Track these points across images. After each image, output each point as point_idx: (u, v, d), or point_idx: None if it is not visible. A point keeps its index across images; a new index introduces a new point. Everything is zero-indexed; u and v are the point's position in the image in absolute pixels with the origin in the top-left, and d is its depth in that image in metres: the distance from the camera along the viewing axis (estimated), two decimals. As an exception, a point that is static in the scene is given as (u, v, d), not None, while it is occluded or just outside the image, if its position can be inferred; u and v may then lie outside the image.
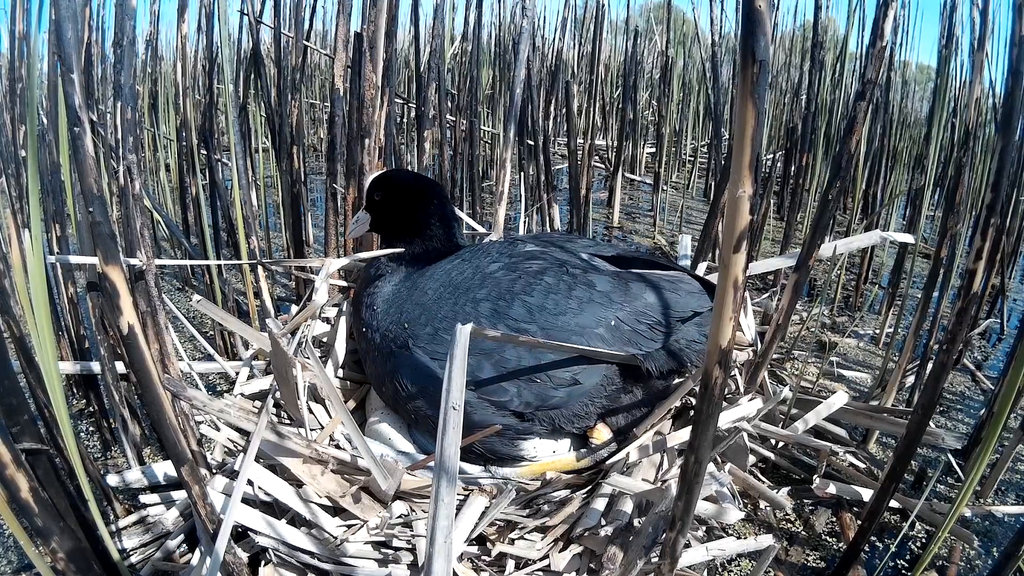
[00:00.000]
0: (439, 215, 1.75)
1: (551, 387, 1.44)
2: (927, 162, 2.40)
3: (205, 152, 2.94)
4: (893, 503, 1.62)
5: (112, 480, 1.49)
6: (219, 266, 2.17)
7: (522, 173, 3.59)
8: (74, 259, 1.58)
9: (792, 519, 1.62)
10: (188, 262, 1.90)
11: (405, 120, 4.90)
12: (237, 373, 1.84)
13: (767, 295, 2.47)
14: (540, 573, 1.23)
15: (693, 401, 1.64)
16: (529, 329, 1.44)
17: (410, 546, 1.24)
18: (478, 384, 1.44)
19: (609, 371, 1.48)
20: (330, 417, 1.61)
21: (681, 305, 1.53)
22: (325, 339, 1.92)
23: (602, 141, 5.81)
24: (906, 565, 1.48)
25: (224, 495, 1.27)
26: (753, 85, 0.72)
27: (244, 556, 1.25)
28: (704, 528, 1.47)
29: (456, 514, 1.26)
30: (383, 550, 1.24)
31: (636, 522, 1.28)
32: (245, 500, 1.28)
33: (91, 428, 1.89)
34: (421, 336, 1.50)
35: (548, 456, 1.52)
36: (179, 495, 1.47)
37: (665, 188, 4.96)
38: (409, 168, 3.47)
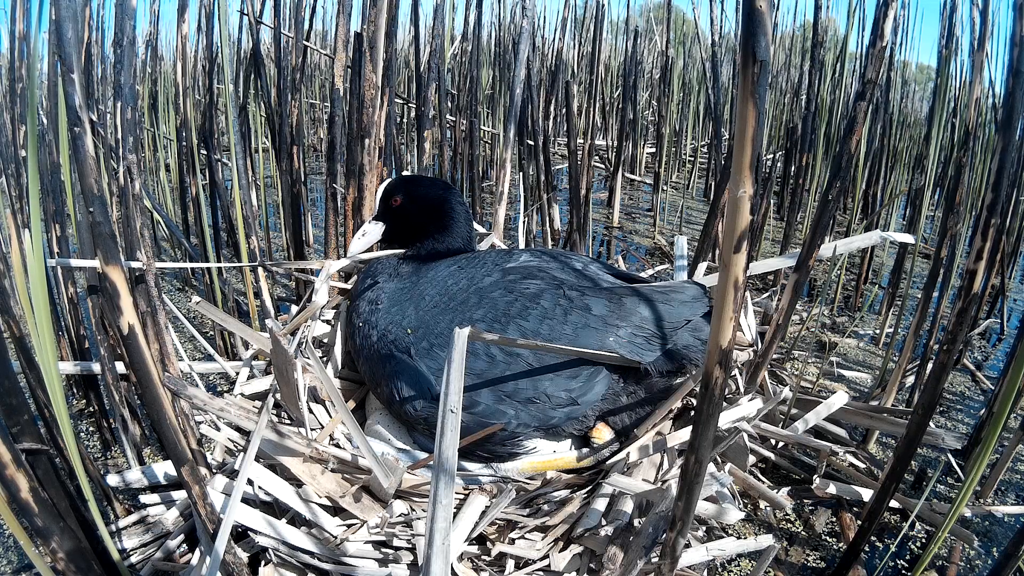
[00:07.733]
0: (463, 217, 1.81)
1: (549, 407, 1.46)
2: (927, 162, 2.40)
3: (205, 152, 2.94)
4: (893, 503, 1.62)
5: (112, 480, 1.49)
6: (219, 267, 2.17)
7: (522, 173, 3.59)
8: (75, 262, 1.58)
9: (792, 519, 1.62)
10: (188, 265, 1.90)
11: (405, 120, 4.89)
12: (237, 373, 1.84)
13: (767, 295, 2.47)
14: (540, 573, 1.23)
15: (693, 401, 1.64)
16: (523, 354, 1.45)
17: (410, 545, 1.24)
18: (474, 408, 1.45)
19: (610, 380, 1.49)
20: (330, 417, 1.61)
21: (675, 315, 1.55)
22: (325, 340, 1.92)
23: (602, 141, 5.81)
24: (906, 565, 1.48)
25: (224, 495, 1.27)
26: (754, 85, 0.72)
27: (244, 556, 1.25)
28: (704, 528, 1.47)
29: (456, 514, 1.27)
30: (383, 550, 1.24)
31: (636, 522, 1.28)
32: (245, 500, 1.28)
33: (91, 428, 1.88)
34: (419, 348, 1.52)
35: (548, 454, 1.52)
36: (179, 495, 1.47)
37: (665, 188, 4.97)
38: (410, 170, 3.47)
